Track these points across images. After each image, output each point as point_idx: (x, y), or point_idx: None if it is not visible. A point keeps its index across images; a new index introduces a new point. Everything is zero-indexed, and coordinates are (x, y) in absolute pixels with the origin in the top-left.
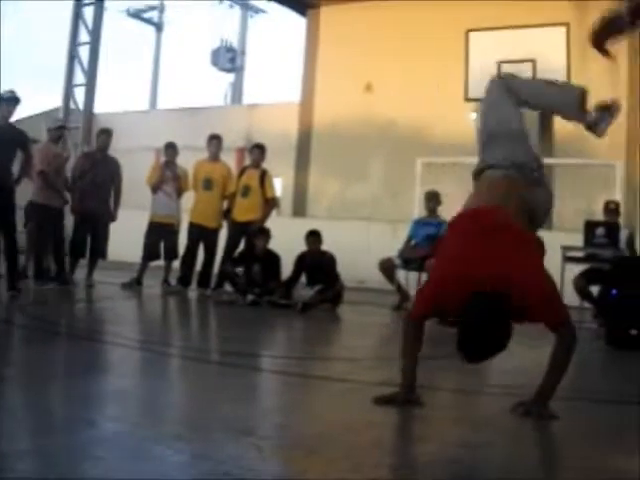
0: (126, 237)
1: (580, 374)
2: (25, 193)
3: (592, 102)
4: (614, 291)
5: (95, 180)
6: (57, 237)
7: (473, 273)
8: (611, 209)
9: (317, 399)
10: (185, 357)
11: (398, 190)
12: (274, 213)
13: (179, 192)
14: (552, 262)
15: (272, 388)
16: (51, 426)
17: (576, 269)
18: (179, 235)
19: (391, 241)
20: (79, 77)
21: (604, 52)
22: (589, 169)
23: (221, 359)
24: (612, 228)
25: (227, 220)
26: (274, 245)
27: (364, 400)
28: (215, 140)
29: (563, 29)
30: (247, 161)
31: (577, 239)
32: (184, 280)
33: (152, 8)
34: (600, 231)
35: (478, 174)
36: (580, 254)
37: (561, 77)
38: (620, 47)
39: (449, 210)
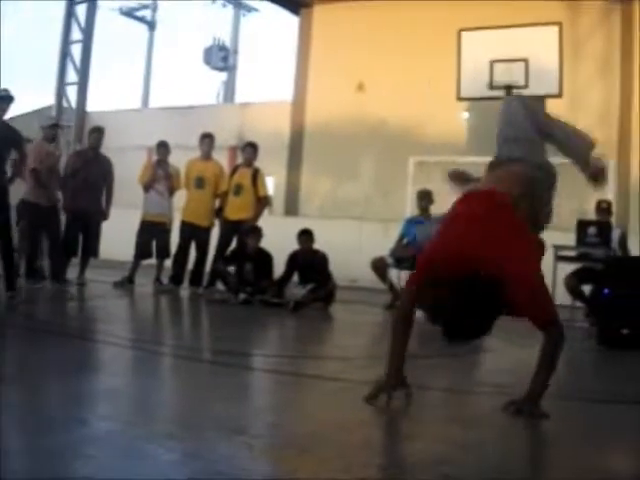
0: (118, 236)
1: (571, 374)
2: (18, 192)
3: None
4: (606, 290)
5: (87, 179)
6: (52, 236)
7: (470, 253)
8: (603, 208)
9: (309, 398)
10: (177, 356)
11: (390, 189)
12: (266, 212)
13: (171, 191)
14: (544, 261)
15: (264, 387)
16: (43, 425)
17: (568, 268)
18: (171, 234)
19: (383, 240)
20: (71, 75)
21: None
22: None
23: (213, 358)
24: (604, 227)
25: (219, 219)
26: (266, 244)
27: (356, 399)
28: (207, 139)
29: (555, 29)
30: (239, 160)
31: (569, 238)
32: (176, 279)
33: (145, 6)
34: (592, 230)
35: (496, 165)
36: (572, 253)
37: (554, 77)
38: (613, 47)
39: (441, 209)
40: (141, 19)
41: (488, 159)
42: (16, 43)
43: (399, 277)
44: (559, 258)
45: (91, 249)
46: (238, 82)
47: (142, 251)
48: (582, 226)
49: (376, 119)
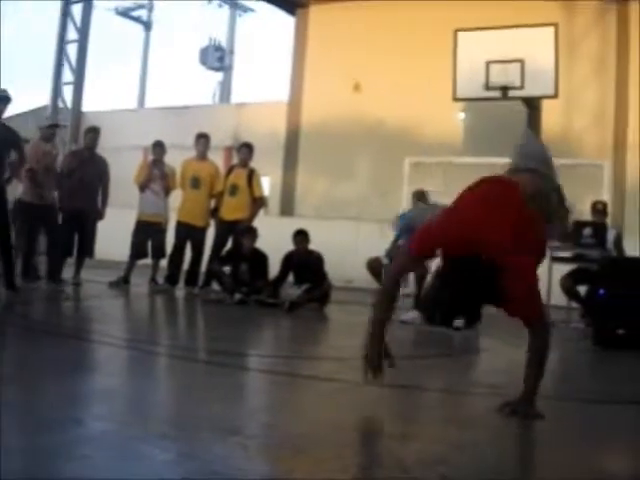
0: (113, 235)
1: (567, 374)
2: (14, 192)
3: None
4: (601, 291)
5: (83, 178)
6: (51, 236)
7: (482, 237)
8: (598, 209)
9: (304, 398)
10: (172, 356)
11: (386, 190)
12: (262, 212)
13: (167, 191)
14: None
15: (259, 387)
16: (38, 425)
17: (564, 269)
18: (167, 234)
19: (379, 240)
20: (67, 75)
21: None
22: (577, 169)
23: (208, 358)
24: (599, 228)
25: (214, 219)
26: (261, 244)
27: (351, 399)
28: (203, 139)
29: (551, 29)
30: (235, 160)
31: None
32: (171, 279)
33: (141, 6)
34: (587, 231)
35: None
36: (567, 254)
37: (549, 78)
38: (608, 47)
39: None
40: (137, 19)
41: (484, 159)
42: (14, 43)
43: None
44: (555, 259)
45: (87, 249)
46: (234, 82)
47: (138, 251)
48: (578, 227)
49: (372, 119)
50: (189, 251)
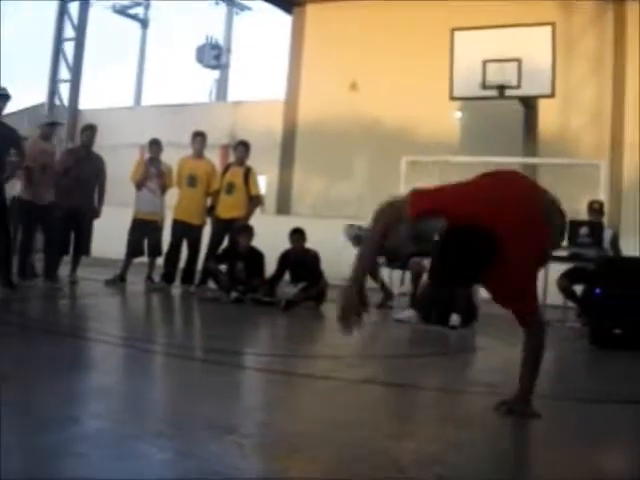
0: (110, 234)
1: (563, 373)
2: (10, 190)
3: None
4: (598, 290)
5: (79, 176)
6: (48, 234)
7: (491, 218)
8: (595, 209)
9: (300, 397)
10: (169, 354)
11: (383, 188)
12: (258, 211)
13: (163, 189)
14: None
15: (255, 386)
16: (35, 423)
17: (560, 268)
18: (163, 232)
19: None
20: (64, 73)
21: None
22: (573, 169)
23: (204, 356)
24: (596, 228)
25: (211, 217)
26: (258, 243)
27: (347, 398)
28: (199, 137)
29: (549, 29)
30: (231, 158)
31: None
32: (168, 277)
33: (137, 4)
34: (584, 231)
35: None
36: (564, 253)
37: (546, 77)
38: (605, 46)
39: None
40: (134, 17)
41: (480, 159)
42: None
43: (390, 276)
44: (551, 258)
45: (83, 247)
46: (231, 80)
47: (134, 249)
48: (574, 226)
49: (369, 118)
50: (185, 249)
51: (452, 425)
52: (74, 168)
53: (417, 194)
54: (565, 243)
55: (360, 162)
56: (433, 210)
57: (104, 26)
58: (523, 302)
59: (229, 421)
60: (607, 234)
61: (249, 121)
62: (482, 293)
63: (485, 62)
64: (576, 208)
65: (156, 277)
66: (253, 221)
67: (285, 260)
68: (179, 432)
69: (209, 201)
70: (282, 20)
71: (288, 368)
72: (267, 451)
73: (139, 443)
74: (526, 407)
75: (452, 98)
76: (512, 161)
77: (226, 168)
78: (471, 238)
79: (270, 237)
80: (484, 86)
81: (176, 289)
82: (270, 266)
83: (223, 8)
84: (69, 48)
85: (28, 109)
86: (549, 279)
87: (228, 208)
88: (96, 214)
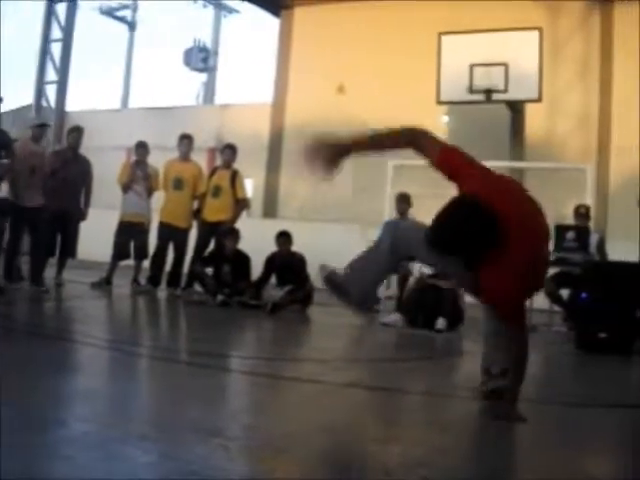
0: (96, 236)
1: (549, 377)
2: None
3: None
4: (584, 295)
5: (66, 178)
6: (35, 237)
7: (496, 203)
8: (581, 213)
9: (286, 400)
10: (154, 357)
11: (369, 192)
12: (244, 214)
13: (149, 191)
14: None
15: (241, 389)
16: (21, 425)
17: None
18: (149, 235)
19: (361, 243)
20: (51, 74)
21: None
22: (560, 173)
23: (190, 359)
24: (582, 232)
25: (197, 220)
26: (244, 246)
27: (333, 402)
28: (186, 140)
29: (536, 33)
30: (218, 161)
31: None
32: (154, 280)
33: (125, 6)
34: (570, 235)
35: None
36: (550, 258)
37: (533, 82)
38: (592, 49)
39: (419, 212)
40: (121, 19)
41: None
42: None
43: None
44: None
45: (69, 249)
46: (218, 83)
47: (120, 252)
48: (560, 231)
49: (356, 121)
50: (171, 252)
51: (438, 429)
52: (61, 170)
53: (452, 148)
54: (552, 247)
55: (347, 165)
56: (455, 169)
57: (92, 28)
58: (508, 309)
59: (214, 424)
60: (593, 238)
61: (236, 124)
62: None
63: (472, 66)
64: (563, 212)
65: (142, 280)
66: (239, 224)
67: (271, 263)
68: (164, 435)
69: (195, 204)
70: (270, 23)
71: (274, 371)
72: (253, 453)
73: (125, 445)
74: (512, 411)
75: (439, 102)
76: (499, 165)
77: (213, 171)
78: (477, 208)
79: (256, 240)
80: (471, 90)
81: (162, 292)
82: (256, 269)
83: (211, 11)
84: (56, 49)
85: (14, 111)
86: None
87: (214, 211)
88: (82, 216)
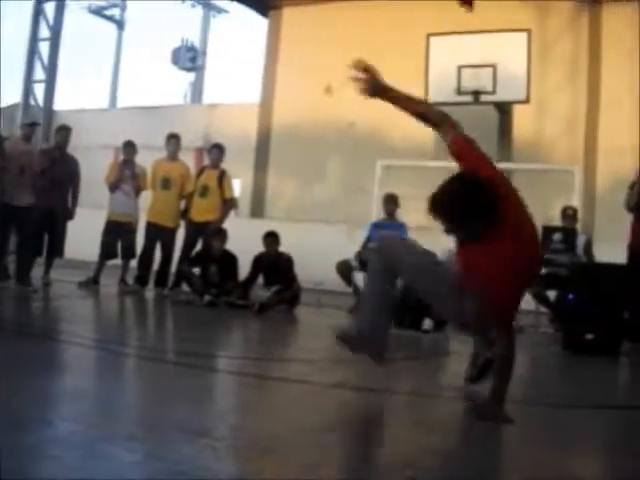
0: (83, 235)
1: (536, 378)
2: None
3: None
4: (570, 296)
5: (54, 178)
6: (22, 236)
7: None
8: (569, 215)
9: (273, 400)
10: (141, 357)
11: (357, 192)
12: (232, 214)
13: (137, 191)
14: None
15: (228, 389)
16: (7, 425)
17: None
18: (137, 234)
19: (349, 243)
20: (39, 73)
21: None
22: (547, 174)
23: (177, 359)
24: (569, 234)
25: (185, 220)
26: (231, 246)
27: (321, 402)
28: (174, 139)
29: (524, 35)
30: (206, 161)
31: None
32: (141, 279)
33: (114, 5)
34: (557, 236)
35: None
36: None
37: (521, 83)
38: (580, 50)
39: (407, 213)
40: (110, 18)
41: (455, 164)
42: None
43: (364, 280)
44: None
45: (56, 249)
46: (206, 83)
47: (107, 251)
48: (547, 232)
49: (344, 122)
50: (159, 252)
51: (425, 429)
52: (48, 169)
53: (467, 137)
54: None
55: (335, 166)
56: (465, 156)
57: (80, 27)
58: (495, 309)
59: (202, 424)
60: (581, 240)
61: (224, 124)
62: None
63: (460, 67)
64: (550, 214)
65: (129, 279)
66: (227, 224)
67: (258, 263)
68: (151, 435)
69: (183, 204)
70: (258, 23)
71: (261, 371)
72: (240, 454)
73: (111, 445)
74: (499, 412)
75: None
76: None
77: (200, 171)
78: (479, 184)
79: (244, 240)
80: (459, 91)
81: (149, 292)
82: (244, 269)
83: (199, 11)
84: (44, 48)
85: (2, 109)
86: None
87: (202, 211)
88: (70, 215)
